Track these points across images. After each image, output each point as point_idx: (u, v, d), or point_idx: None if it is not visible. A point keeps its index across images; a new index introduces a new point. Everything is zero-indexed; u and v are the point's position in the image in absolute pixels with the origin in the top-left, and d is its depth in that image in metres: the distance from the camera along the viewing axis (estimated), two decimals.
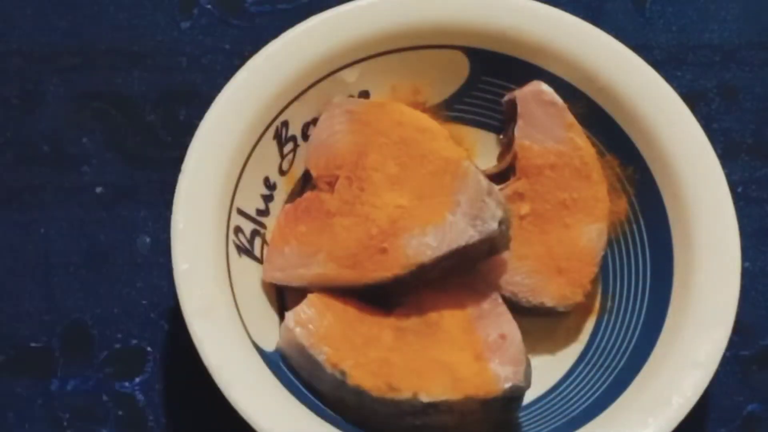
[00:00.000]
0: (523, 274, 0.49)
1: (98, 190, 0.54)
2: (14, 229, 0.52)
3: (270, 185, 0.50)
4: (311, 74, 0.50)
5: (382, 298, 0.48)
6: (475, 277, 0.48)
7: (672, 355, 0.46)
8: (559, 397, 0.49)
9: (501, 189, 0.50)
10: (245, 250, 0.48)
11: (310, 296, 0.47)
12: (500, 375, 0.45)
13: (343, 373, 0.45)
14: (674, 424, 0.45)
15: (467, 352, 0.46)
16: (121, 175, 0.54)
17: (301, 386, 0.46)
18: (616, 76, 0.51)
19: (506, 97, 0.52)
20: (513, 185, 0.51)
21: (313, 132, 0.50)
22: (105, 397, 0.49)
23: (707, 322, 0.46)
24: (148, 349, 0.50)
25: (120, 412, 0.49)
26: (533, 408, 0.48)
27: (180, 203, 0.46)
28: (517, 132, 0.51)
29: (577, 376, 0.49)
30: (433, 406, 0.45)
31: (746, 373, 0.52)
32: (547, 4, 0.52)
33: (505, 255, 0.49)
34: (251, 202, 0.49)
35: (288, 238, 0.48)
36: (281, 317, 0.48)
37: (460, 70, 0.53)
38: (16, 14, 0.57)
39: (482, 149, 0.54)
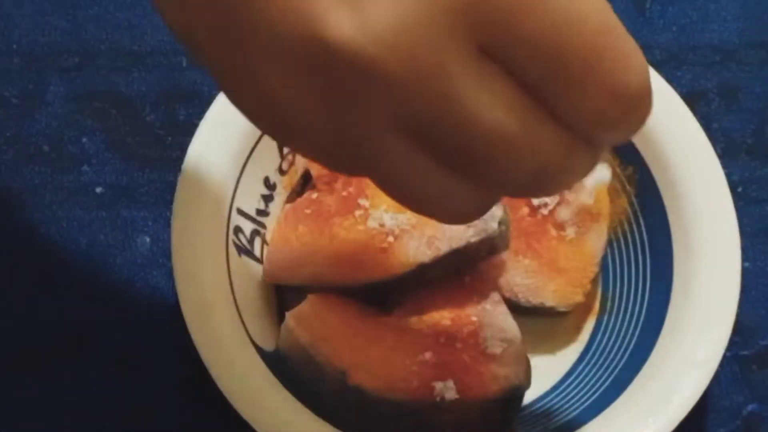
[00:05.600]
0: (523, 274, 0.49)
1: (98, 190, 0.54)
2: (14, 229, 0.52)
3: (270, 185, 0.50)
4: None
5: (382, 298, 0.48)
6: (475, 277, 0.48)
7: (672, 355, 0.46)
8: (559, 397, 0.49)
9: None
10: (245, 250, 0.48)
11: (310, 296, 0.47)
12: (500, 375, 0.45)
13: (343, 373, 0.45)
14: (674, 424, 0.45)
15: (467, 352, 0.46)
16: (121, 175, 0.54)
17: (301, 386, 0.46)
18: None
19: None
20: None
21: None
22: (105, 397, 0.49)
23: (707, 322, 0.47)
24: (148, 348, 0.50)
25: (120, 412, 0.49)
26: (533, 408, 0.48)
27: (180, 203, 0.46)
28: None
29: (577, 376, 0.49)
30: (433, 406, 0.45)
31: (746, 373, 0.52)
32: None
33: (505, 255, 0.49)
34: (251, 202, 0.49)
35: (288, 238, 0.48)
36: (281, 317, 0.48)
37: None
38: (16, 14, 0.57)
39: None
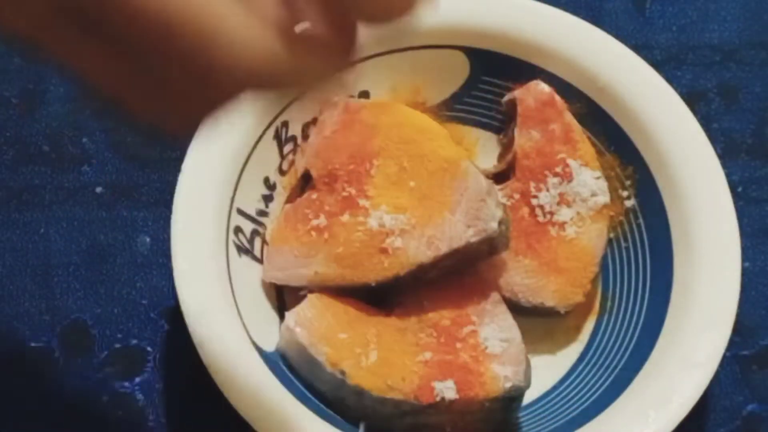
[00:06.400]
0: (523, 274, 0.49)
1: (98, 190, 0.54)
2: (14, 229, 0.52)
3: (270, 185, 0.50)
4: None
5: (382, 298, 0.48)
6: (475, 277, 0.48)
7: (672, 355, 0.46)
8: (559, 397, 0.49)
9: (501, 189, 0.50)
10: (245, 250, 0.48)
11: (310, 296, 0.47)
12: (500, 375, 0.45)
13: (343, 373, 0.45)
14: (674, 423, 0.45)
15: (467, 352, 0.46)
16: (121, 175, 0.54)
17: (301, 386, 0.46)
18: (616, 76, 0.51)
19: (506, 97, 0.52)
20: (513, 185, 0.51)
21: (312, 132, 0.50)
22: (105, 397, 0.49)
23: (707, 322, 0.46)
24: (148, 349, 0.50)
25: (120, 412, 0.49)
26: (533, 408, 0.48)
27: (180, 203, 0.46)
28: (517, 132, 0.51)
29: (577, 376, 0.49)
30: (433, 406, 0.45)
31: (746, 373, 0.52)
32: (547, 4, 0.52)
33: (505, 255, 0.49)
34: (251, 202, 0.49)
35: (288, 238, 0.48)
36: (281, 317, 0.48)
37: (460, 70, 0.53)
38: None
39: (482, 149, 0.54)
